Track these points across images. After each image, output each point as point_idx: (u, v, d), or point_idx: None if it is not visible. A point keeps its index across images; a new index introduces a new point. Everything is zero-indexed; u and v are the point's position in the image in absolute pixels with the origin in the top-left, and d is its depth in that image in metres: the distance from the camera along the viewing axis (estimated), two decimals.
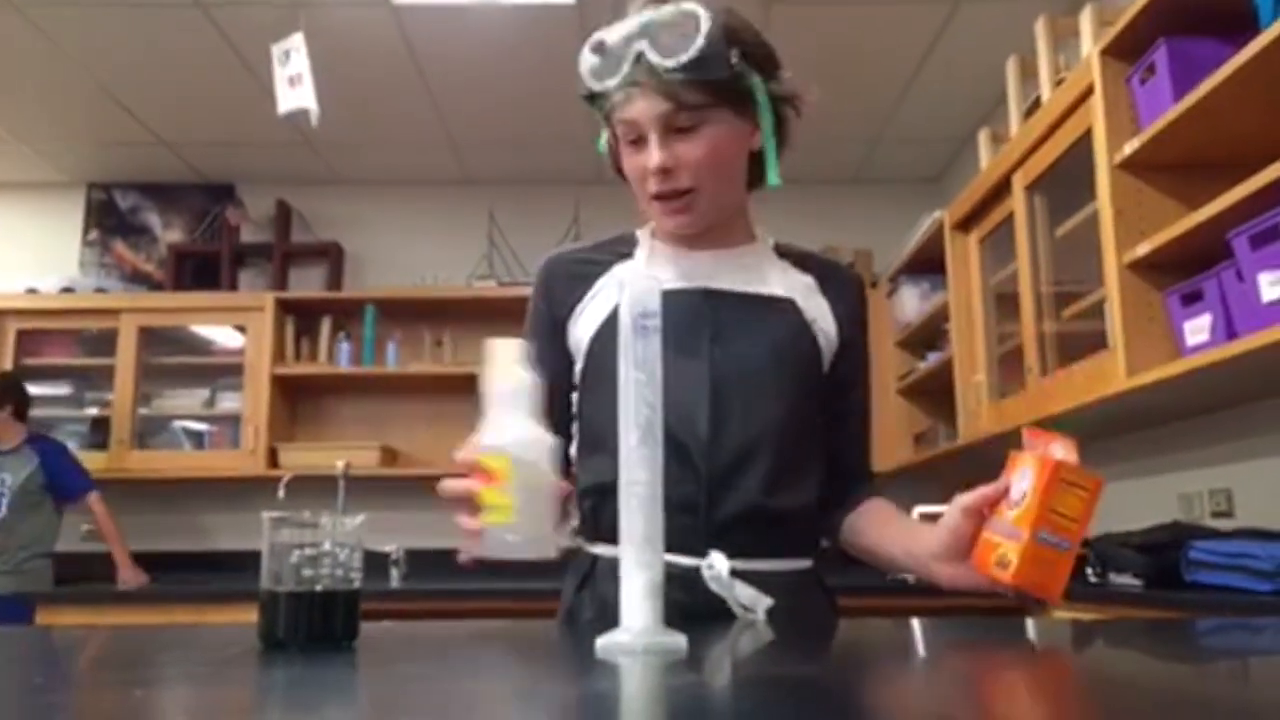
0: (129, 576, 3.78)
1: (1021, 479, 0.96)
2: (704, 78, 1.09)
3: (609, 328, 1.18)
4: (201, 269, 4.62)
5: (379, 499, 4.15)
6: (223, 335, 4.43)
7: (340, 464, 3.96)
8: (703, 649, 0.87)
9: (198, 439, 4.39)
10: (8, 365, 4.20)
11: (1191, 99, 2.06)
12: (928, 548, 1.08)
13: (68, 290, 4.37)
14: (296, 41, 2.98)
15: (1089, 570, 2.57)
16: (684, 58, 1.08)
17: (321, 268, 4.66)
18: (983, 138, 3.40)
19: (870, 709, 0.63)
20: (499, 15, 3.34)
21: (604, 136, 1.22)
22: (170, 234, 4.71)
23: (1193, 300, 2.18)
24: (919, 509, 3.41)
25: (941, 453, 3.66)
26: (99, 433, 4.25)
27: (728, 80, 1.11)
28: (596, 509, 1.22)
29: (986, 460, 4.33)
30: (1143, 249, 2.27)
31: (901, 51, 3.58)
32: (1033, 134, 2.80)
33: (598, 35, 1.13)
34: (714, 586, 1.11)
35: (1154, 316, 2.32)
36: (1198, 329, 2.15)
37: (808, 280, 1.26)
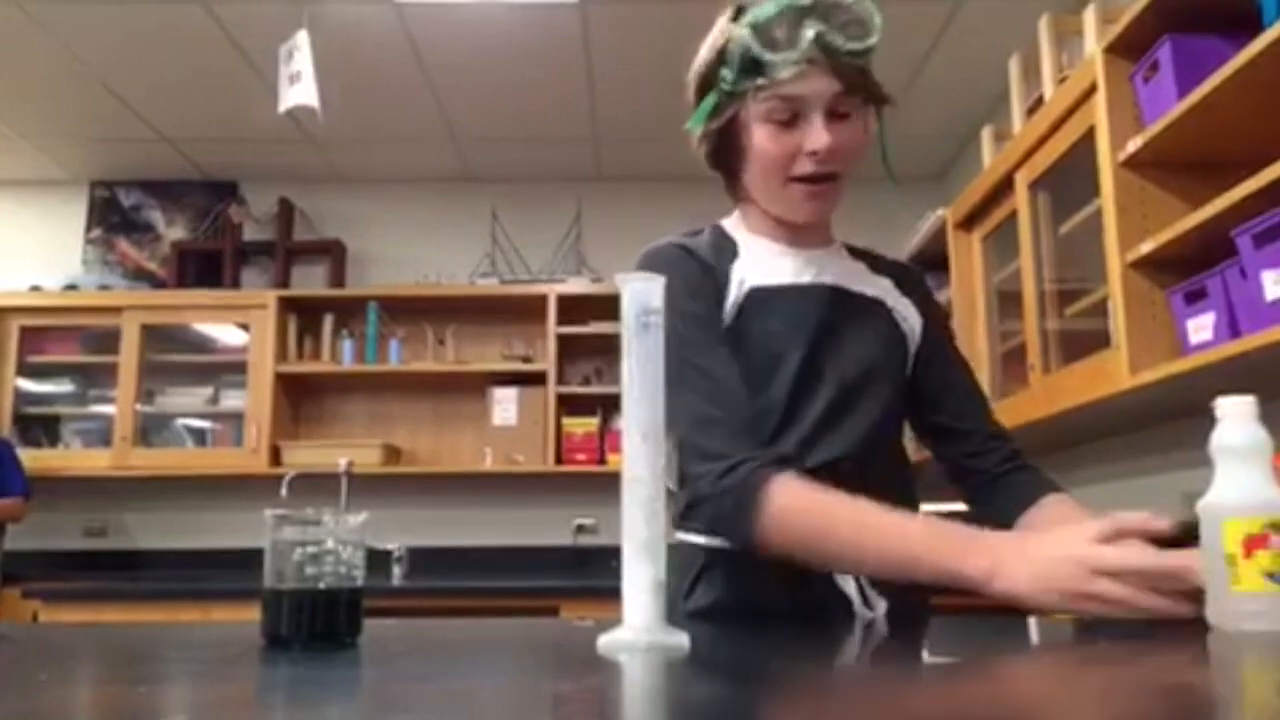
0: None
1: None
2: (865, 67, 1.12)
3: (760, 317, 1.19)
4: (204, 266, 4.62)
5: (382, 497, 4.15)
6: (225, 333, 4.43)
7: (343, 462, 3.96)
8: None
9: (200, 437, 4.40)
10: (11, 363, 4.21)
11: (1195, 97, 2.05)
12: None
13: (71, 288, 4.38)
14: (300, 39, 2.98)
15: None
16: (867, 42, 1.10)
17: (324, 265, 4.66)
18: (985, 135, 3.40)
19: (871, 708, 0.63)
20: (502, 12, 3.34)
21: (709, 119, 1.17)
22: (173, 231, 4.71)
23: (1196, 298, 2.17)
24: (922, 508, 3.41)
25: None
26: (102, 430, 4.25)
27: (869, 74, 1.14)
28: None
29: None
30: (1146, 247, 2.26)
31: (904, 49, 3.58)
32: (1036, 132, 2.80)
33: (763, 6, 1.11)
34: (840, 581, 1.13)
35: (1157, 315, 2.32)
36: (1201, 327, 2.15)
37: (886, 282, 1.29)
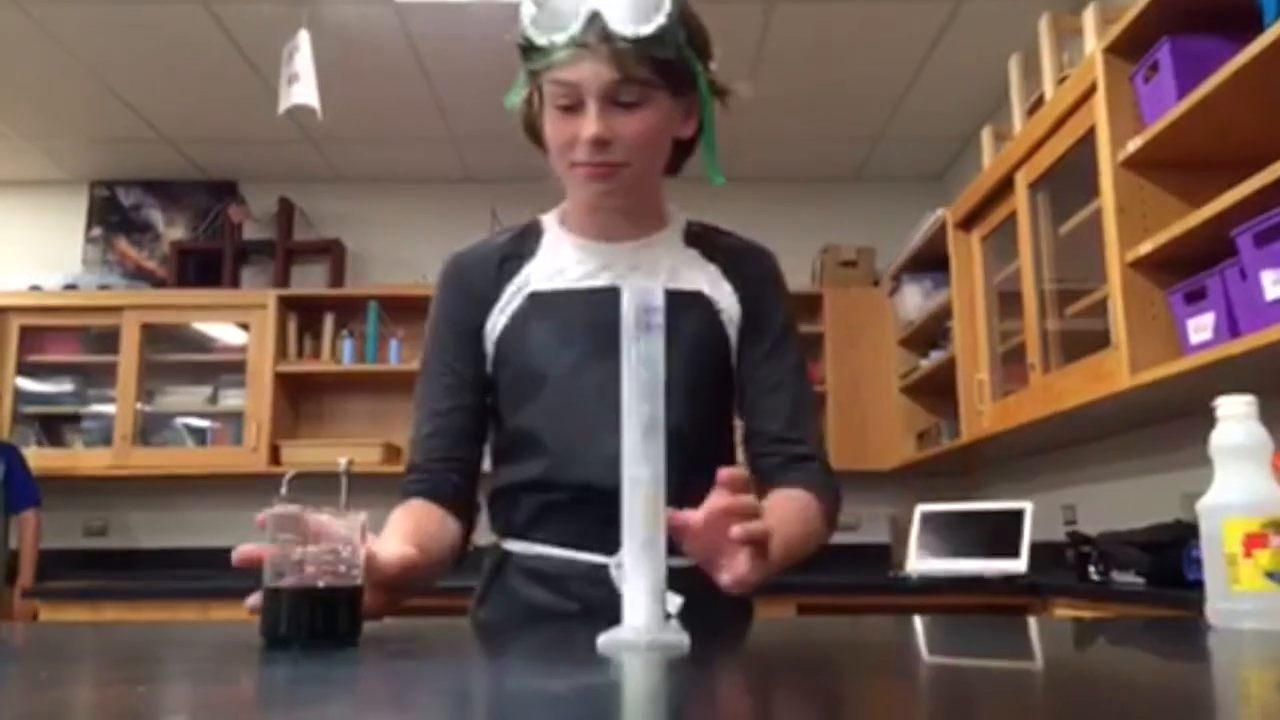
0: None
1: None
2: (655, 55, 1.05)
3: (530, 329, 1.17)
4: (204, 266, 4.61)
5: (381, 496, 4.10)
6: (225, 332, 4.43)
7: (343, 461, 3.95)
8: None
9: (200, 436, 4.40)
10: (11, 363, 4.21)
11: (1195, 97, 2.05)
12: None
13: (71, 287, 4.37)
14: (301, 40, 2.98)
15: (1091, 568, 2.56)
16: (645, 30, 1.03)
17: (324, 265, 4.66)
18: (986, 136, 3.40)
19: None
20: (501, 12, 3.33)
21: (519, 91, 1.16)
22: (173, 231, 4.71)
23: (1196, 298, 2.18)
24: (920, 507, 3.41)
25: (944, 451, 3.66)
26: (102, 430, 4.25)
27: (674, 61, 1.08)
28: (512, 507, 1.22)
29: (988, 458, 4.30)
30: (1146, 247, 2.27)
31: (904, 49, 3.58)
32: (1036, 132, 2.80)
33: None
34: (620, 585, 1.11)
35: (1157, 314, 2.32)
36: (1201, 327, 2.15)
37: (713, 269, 1.23)
